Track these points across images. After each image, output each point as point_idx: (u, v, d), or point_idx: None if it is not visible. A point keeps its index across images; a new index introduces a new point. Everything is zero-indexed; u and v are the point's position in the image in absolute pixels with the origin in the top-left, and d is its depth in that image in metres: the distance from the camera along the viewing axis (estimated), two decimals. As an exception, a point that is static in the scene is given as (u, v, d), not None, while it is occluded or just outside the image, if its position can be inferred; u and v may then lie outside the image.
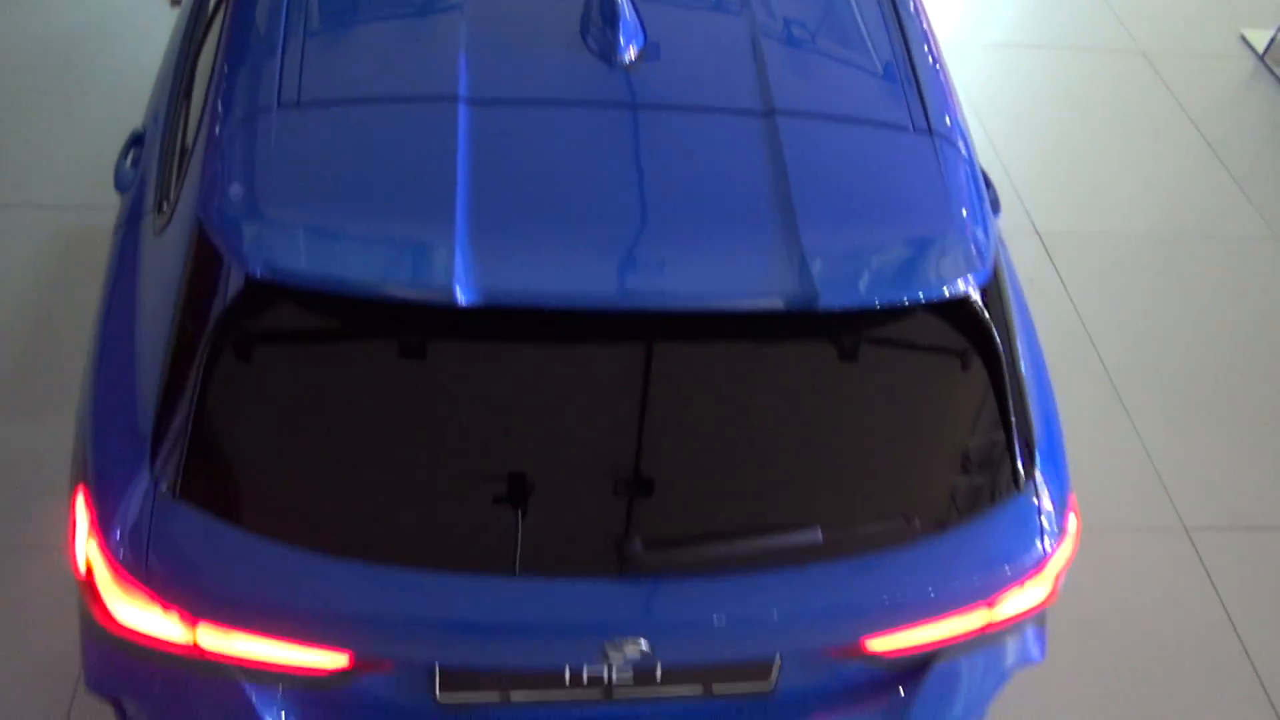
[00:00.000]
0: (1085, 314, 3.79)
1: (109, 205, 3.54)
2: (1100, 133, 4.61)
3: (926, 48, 2.06)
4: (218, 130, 1.72)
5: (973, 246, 1.73)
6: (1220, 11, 5.49)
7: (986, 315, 1.75)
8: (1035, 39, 5.10)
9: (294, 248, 1.54)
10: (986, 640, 2.01)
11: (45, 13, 4.29)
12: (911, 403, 1.73)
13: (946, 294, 1.67)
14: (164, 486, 1.64)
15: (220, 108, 1.75)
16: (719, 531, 1.65)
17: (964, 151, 1.90)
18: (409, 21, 1.87)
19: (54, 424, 2.97)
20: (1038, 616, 2.13)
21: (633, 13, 1.88)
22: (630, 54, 1.86)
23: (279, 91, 1.73)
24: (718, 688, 1.90)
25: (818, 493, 1.69)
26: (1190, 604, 3.03)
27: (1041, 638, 2.16)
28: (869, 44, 2.03)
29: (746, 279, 1.59)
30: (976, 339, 1.75)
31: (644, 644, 1.67)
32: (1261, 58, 5.14)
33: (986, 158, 4.38)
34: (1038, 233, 4.08)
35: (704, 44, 1.91)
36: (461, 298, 1.51)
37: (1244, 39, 5.26)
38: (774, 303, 1.58)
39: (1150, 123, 4.71)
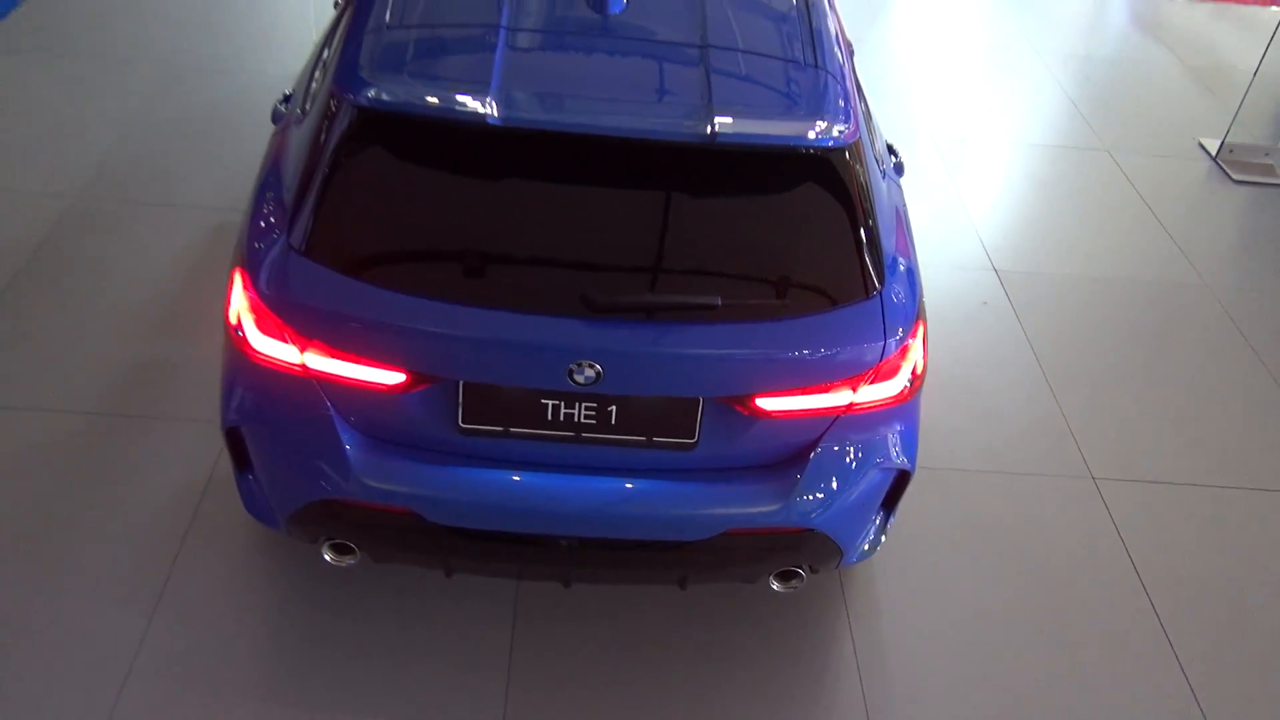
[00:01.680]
0: (1027, 325, 4.54)
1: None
2: (1061, 205, 5.46)
3: (826, 25, 2.99)
4: (348, 41, 2.71)
5: (831, 126, 2.59)
6: (1179, 124, 6.39)
7: (842, 172, 2.60)
8: (1013, 138, 6.04)
9: (388, 89, 2.48)
10: (858, 429, 2.74)
11: (229, 77, 5.52)
12: (791, 221, 2.57)
13: (806, 148, 2.54)
14: (294, 246, 2.54)
15: (351, 30, 2.75)
16: (651, 289, 2.48)
17: (842, 84, 2.79)
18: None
19: (196, 344, 3.91)
20: (907, 431, 2.85)
21: None
22: (616, 9, 2.81)
23: (387, 19, 2.73)
24: (656, 440, 2.68)
25: (723, 273, 2.52)
26: (1091, 536, 3.66)
27: (912, 452, 2.88)
28: (782, 17, 2.98)
29: (675, 121, 2.48)
30: (836, 187, 2.59)
31: (598, 366, 2.48)
32: (1214, 159, 5.98)
33: (958, 214, 5.24)
34: (995, 269, 4.89)
35: (664, 8, 2.87)
36: (492, 120, 2.43)
37: (1200, 145, 6.13)
38: (687, 137, 2.46)
39: (1108, 202, 5.55)
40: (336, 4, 4.08)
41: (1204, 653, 3.29)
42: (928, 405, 3.99)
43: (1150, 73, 7.07)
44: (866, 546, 3.01)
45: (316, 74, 3.13)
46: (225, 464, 3.46)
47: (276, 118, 3.31)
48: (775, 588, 2.97)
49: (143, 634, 2.99)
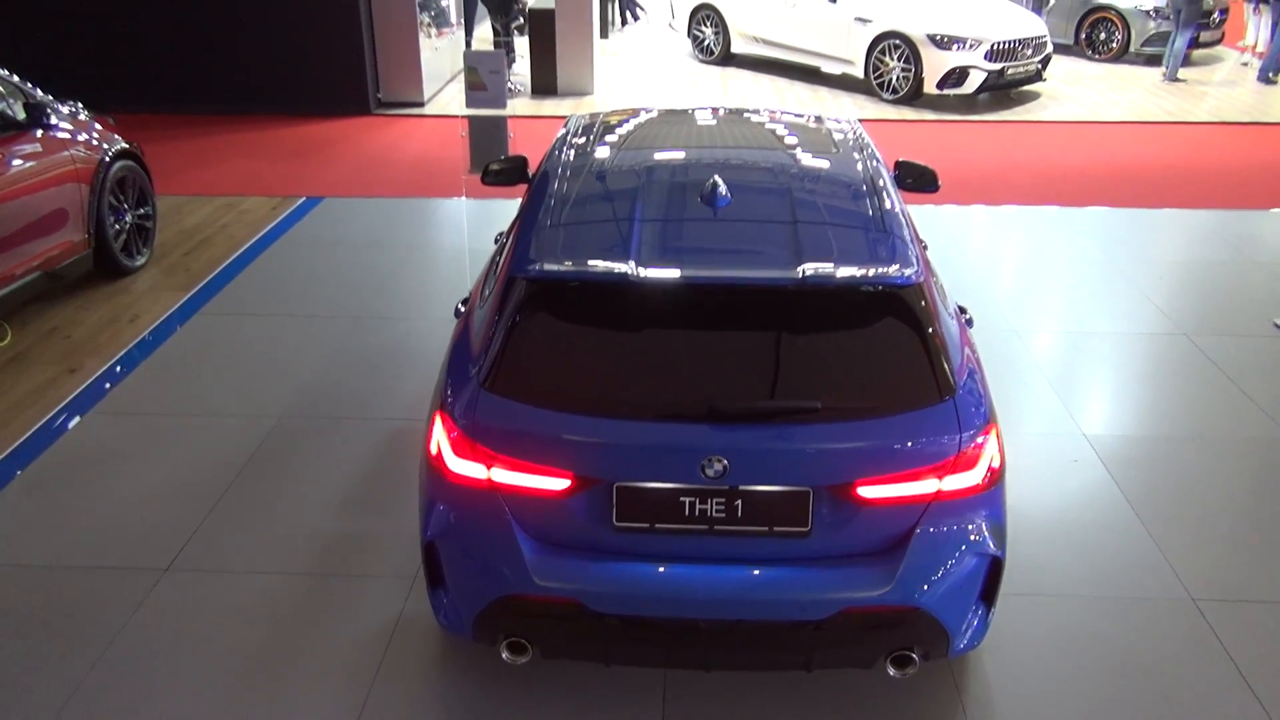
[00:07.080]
0: (1116, 475, 4.95)
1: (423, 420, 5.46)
2: (1141, 379, 5.94)
3: (888, 197, 3.76)
4: (517, 241, 3.57)
5: (898, 269, 3.29)
6: (1253, 309, 6.88)
7: (913, 305, 3.26)
8: (1090, 328, 6.60)
9: (550, 266, 3.30)
10: (949, 515, 3.23)
11: (402, 323, 6.56)
12: (875, 343, 3.23)
13: (879, 286, 3.24)
14: (483, 385, 3.28)
15: (519, 232, 3.63)
16: (764, 398, 3.13)
17: (904, 241, 3.51)
18: (612, 191, 3.77)
19: (385, 518, 4.64)
20: (993, 520, 3.32)
21: (726, 189, 3.68)
22: (722, 206, 3.64)
23: (548, 220, 3.60)
24: (776, 529, 3.22)
25: (821, 384, 3.16)
26: (1191, 644, 3.94)
27: (1001, 541, 3.34)
28: (854, 196, 3.76)
29: (772, 269, 3.23)
30: (909, 317, 3.25)
31: (725, 461, 3.09)
32: (1290, 335, 6.42)
33: (1043, 388, 5.75)
34: (1083, 434, 5.34)
35: (760, 198, 3.69)
36: (633, 278, 3.20)
37: (1276, 325, 6.57)
38: (782, 281, 3.19)
39: (1188, 375, 6.00)
40: (497, 240, 5.08)
41: (1313, 740, 3.48)
42: (1026, 543, 4.41)
43: (1223, 272, 7.63)
44: (970, 635, 3.40)
45: (487, 282, 4.01)
46: (413, 606, 4.08)
47: (457, 314, 4.19)
48: (891, 673, 3.36)
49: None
